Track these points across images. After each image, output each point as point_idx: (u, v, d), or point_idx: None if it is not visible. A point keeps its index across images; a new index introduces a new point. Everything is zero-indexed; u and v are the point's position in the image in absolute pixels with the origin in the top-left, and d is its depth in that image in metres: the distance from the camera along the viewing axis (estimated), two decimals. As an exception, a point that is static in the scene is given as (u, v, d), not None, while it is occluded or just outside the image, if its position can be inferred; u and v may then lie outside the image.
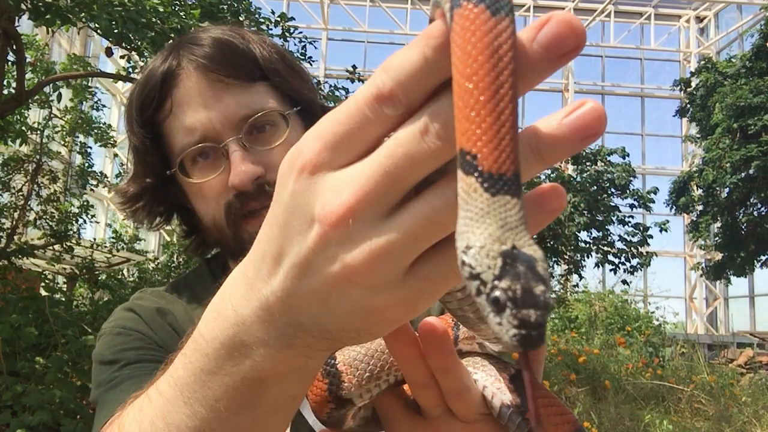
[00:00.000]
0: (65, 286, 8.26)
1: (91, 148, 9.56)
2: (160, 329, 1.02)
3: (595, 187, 12.45)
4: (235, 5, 5.51)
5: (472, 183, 0.34)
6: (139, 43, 4.67)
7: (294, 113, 1.06)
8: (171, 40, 4.44)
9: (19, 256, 6.49)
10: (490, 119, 0.33)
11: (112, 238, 9.77)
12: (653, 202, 12.75)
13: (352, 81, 7.32)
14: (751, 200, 13.37)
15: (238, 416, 0.49)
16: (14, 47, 4.99)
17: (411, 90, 0.37)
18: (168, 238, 13.08)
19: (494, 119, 0.33)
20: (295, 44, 6.52)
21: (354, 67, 7.31)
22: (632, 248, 12.55)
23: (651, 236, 12.71)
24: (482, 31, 0.33)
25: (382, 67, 0.37)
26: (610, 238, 12.57)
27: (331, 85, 7.36)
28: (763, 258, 13.63)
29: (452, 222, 0.36)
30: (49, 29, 5.24)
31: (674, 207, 14.71)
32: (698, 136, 15.05)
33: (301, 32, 6.44)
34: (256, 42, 1.06)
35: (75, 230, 8.09)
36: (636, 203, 12.67)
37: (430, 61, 0.36)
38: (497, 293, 0.33)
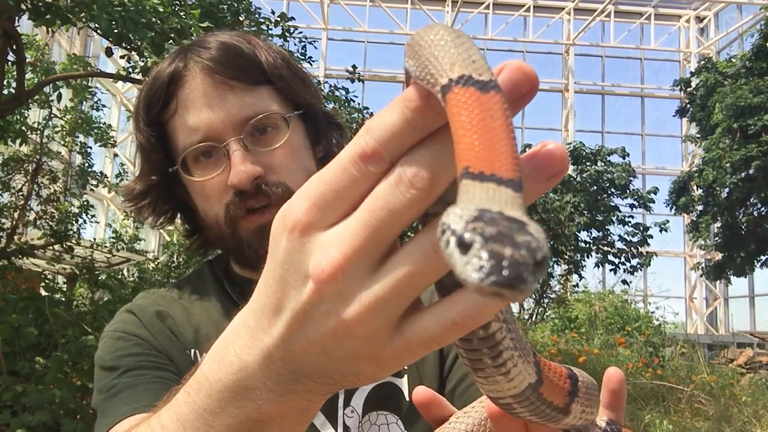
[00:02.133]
0: (65, 286, 8.25)
1: (91, 148, 9.57)
2: (159, 333, 1.04)
3: (595, 187, 12.46)
4: (235, 5, 5.51)
5: (465, 183, 0.34)
6: (139, 43, 4.67)
7: (295, 116, 1.08)
8: (171, 40, 4.46)
9: (19, 256, 6.49)
10: (486, 148, 0.34)
11: (112, 238, 9.77)
12: (653, 202, 12.78)
13: (352, 81, 7.31)
14: (751, 200, 13.38)
15: None
16: (14, 47, 4.99)
17: (392, 148, 0.39)
18: (168, 238, 13.09)
19: (490, 148, 0.34)
20: (295, 44, 6.52)
21: (354, 67, 7.30)
22: (632, 248, 12.57)
23: (651, 236, 12.74)
24: (477, 108, 0.35)
25: (365, 129, 0.40)
26: (610, 238, 12.60)
27: (331, 85, 7.35)
28: (763, 258, 13.63)
29: (433, 273, 0.39)
30: (49, 29, 5.24)
31: (674, 207, 14.70)
32: (698, 136, 15.05)
33: (301, 32, 6.43)
34: (262, 47, 1.09)
35: (75, 230, 8.09)
36: (636, 203, 12.70)
37: (410, 122, 0.39)
38: (466, 234, 0.30)
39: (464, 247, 0.30)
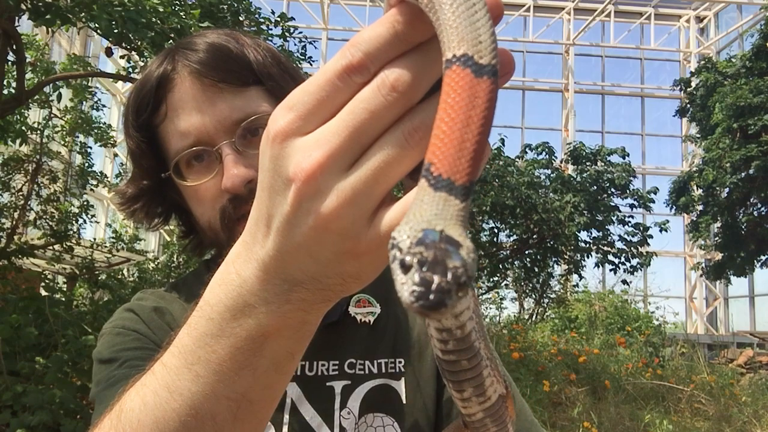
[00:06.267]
0: (65, 286, 8.25)
1: (91, 148, 9.55)
2: (158, 329, 1.03)
3: (595, 187, 12.44)
4: (235, 5, 5.50)
5: (422, 184, 0.38)
6: (139, 43, 4.67)
7: None
8: (171, 40, 4.46)
9: (19, 256, 6.49)
10: (454, 144, 0.37)
11: (112, 238, 9.75)
12: (653, 202, 12.74)
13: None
14: (751, 200, 13.37)
15: (240, 376, 0.52)
16: (14, 47, 4.98)
17: (379, 60, 0.42)
18: (168, 238, 13.08)
19: (457, 145, 0.37)
20: (295, 44, 6.52)
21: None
22: (632, 248, 12.54)
23: (651, 236, 12.71)
24: (463, 90, 0.38)
25: (351, 43, 0.42)
26: (610, 238, 12.57)
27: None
28: (763, 258, 13.62)
29: (405, 162, 0.42)
30: (49, 29, 5.24)
31: (674, 207, 14.69)
32: (698, 136, 15.04)
33: (301, 32, 6.43)
34: (251, 46, 1.07)
35: (75, 230, 8.09)
36: (636, 203, 12.66)
37: (399, 34, 0.41)
38: (407, 257, 0.35)
39: (405, 268, 0.35)
